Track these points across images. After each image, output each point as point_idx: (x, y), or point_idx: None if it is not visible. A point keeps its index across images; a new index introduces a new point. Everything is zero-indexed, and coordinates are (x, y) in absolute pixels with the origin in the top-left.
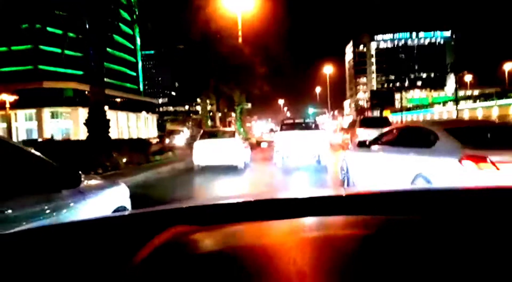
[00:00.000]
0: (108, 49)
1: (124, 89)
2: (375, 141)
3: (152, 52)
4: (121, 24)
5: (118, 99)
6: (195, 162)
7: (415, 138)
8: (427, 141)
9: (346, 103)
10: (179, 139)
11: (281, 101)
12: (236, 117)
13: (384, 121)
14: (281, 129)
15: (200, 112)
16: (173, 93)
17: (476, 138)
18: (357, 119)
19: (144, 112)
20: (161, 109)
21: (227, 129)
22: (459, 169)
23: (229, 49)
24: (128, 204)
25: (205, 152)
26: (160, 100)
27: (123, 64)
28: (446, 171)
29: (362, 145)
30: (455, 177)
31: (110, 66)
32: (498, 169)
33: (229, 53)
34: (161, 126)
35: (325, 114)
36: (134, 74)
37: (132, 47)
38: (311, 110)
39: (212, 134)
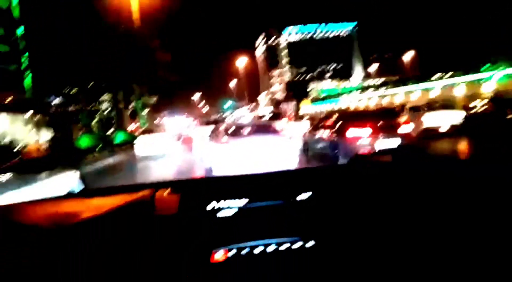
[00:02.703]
0: None
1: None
2: None
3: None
4: None
5: None
6: (137, 153)
7: None
8: None
9: (262, 95)
10: None
11: (198, 95)
12: (138, 113)
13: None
14: (197, 125)
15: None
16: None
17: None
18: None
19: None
20: (59, 109)
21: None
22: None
23: (123, 32)
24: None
25: (145, 145)
26: (58, 100)
27: None
28: None
29: None
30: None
31: None
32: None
33: (122, 37)
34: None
35: (242, 107)
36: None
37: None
38: (230, 103)
39: (148, 131)
